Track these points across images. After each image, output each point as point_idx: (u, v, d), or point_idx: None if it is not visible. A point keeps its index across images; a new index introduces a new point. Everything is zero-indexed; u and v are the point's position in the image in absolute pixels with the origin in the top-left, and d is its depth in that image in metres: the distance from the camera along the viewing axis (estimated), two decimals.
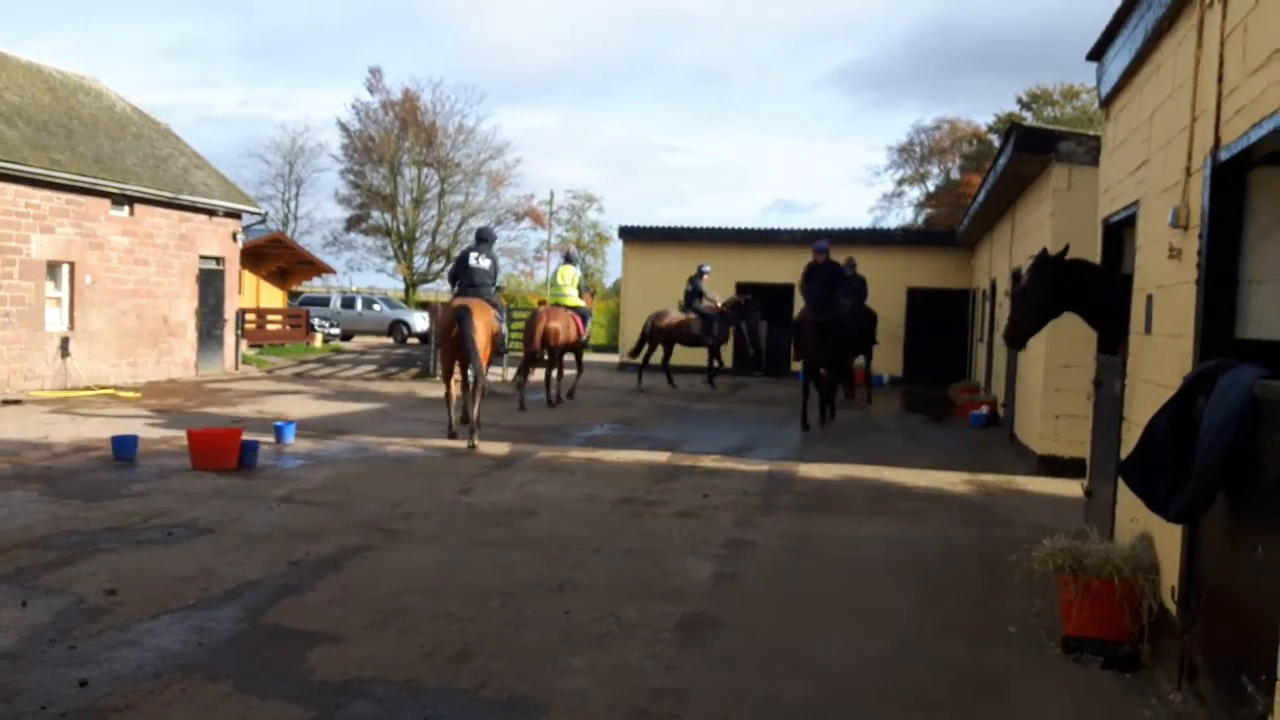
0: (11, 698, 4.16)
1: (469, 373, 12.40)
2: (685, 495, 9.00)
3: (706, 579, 6.38)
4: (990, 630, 5.49)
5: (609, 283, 56.72)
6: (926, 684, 4.74)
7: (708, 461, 11.03)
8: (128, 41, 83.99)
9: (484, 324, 12.10)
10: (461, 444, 11.67)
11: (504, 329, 13.20)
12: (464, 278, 12.71)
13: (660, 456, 11.17)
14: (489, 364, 12.72)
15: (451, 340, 11.97)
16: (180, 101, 75.88)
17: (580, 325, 16.85)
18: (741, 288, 24.04)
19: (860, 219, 60.35)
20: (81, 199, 17.86)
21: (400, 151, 50.03)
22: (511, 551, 6.91)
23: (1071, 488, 8.52)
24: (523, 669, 4.70)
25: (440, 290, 50.58)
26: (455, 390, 12.53)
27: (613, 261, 60.01)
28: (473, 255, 12.89)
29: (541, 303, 21.47)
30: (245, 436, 10.27)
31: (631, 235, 26.31)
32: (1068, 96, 46.13)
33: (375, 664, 4.72)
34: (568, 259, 18.25)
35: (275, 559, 6.54)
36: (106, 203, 18.50)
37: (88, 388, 17.31)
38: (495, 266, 13.06)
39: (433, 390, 19.43)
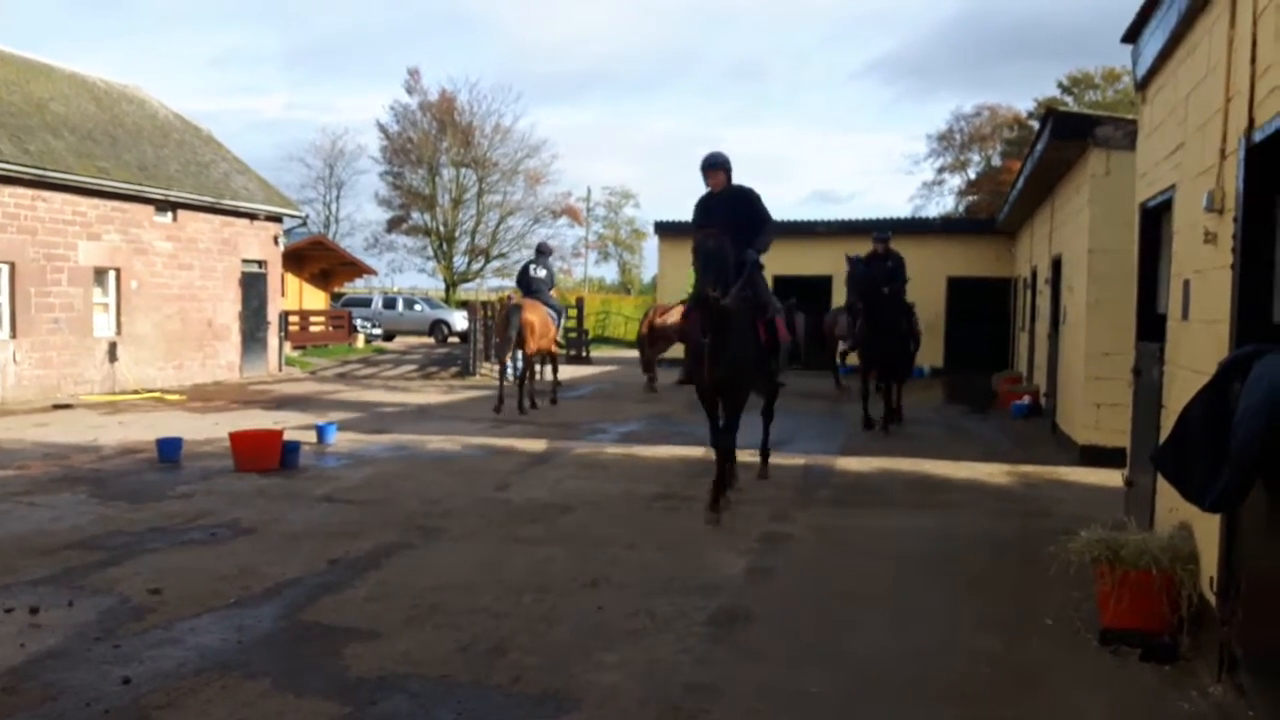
0: (58, 695, 4.27)
1: (517, 360, 15.60)
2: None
3: (740, 573, 6.38)
4: (1027, 622, 5.44)
5: (646, 278, 56.70)
6: (961, 677, 4.70)
7: (744, 456, 10.97)
8: (176, 53, 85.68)
9: (537, 319, 14.75)
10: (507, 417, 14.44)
11: (558, 324, 15.87)
12: (525, 285, 15.63)
13: (696, 451, 11.17)
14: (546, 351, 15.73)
15: (506, 333, 14.75)
16: (227, 108, 77.17)
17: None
18: (778, 280, 23.94)
19: (899, 208, 59.91)
20: (126, 206, 18.21)
21: (438, 152, 50.46)
22: (546, 547, 6.96)
23: (1114, 478, 8.40)
24: (556, 664, 4.73)
25: (479, 289, 50.98)
26: (509, 374, 15.72)
27: (649, 257, 60.04)
28: (532, 266, 15.73)
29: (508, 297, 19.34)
30: (286, 437, 10.43)
31: (667, 230, 26.29)
32: (1109, 80, 45.38)
33: (410, 660, 4.77)
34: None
35: (315, 557, 6.64)
36: (150, 209, 18.84)
37: (135, 391, 17.66)
38: (550, 275, 15.82)
39: (473, 389, 19.59)
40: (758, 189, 8.23)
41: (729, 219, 7.76)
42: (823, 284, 23.22)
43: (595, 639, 5.09)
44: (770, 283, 9.14)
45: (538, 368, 16.57)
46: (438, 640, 5.05)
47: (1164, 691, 4.51)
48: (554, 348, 16.13)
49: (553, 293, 16.02)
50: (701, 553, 6.84)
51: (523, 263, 17.16)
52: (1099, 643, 5.04)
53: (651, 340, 18.27)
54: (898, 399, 13.78)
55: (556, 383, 17.02)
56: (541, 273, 15.50)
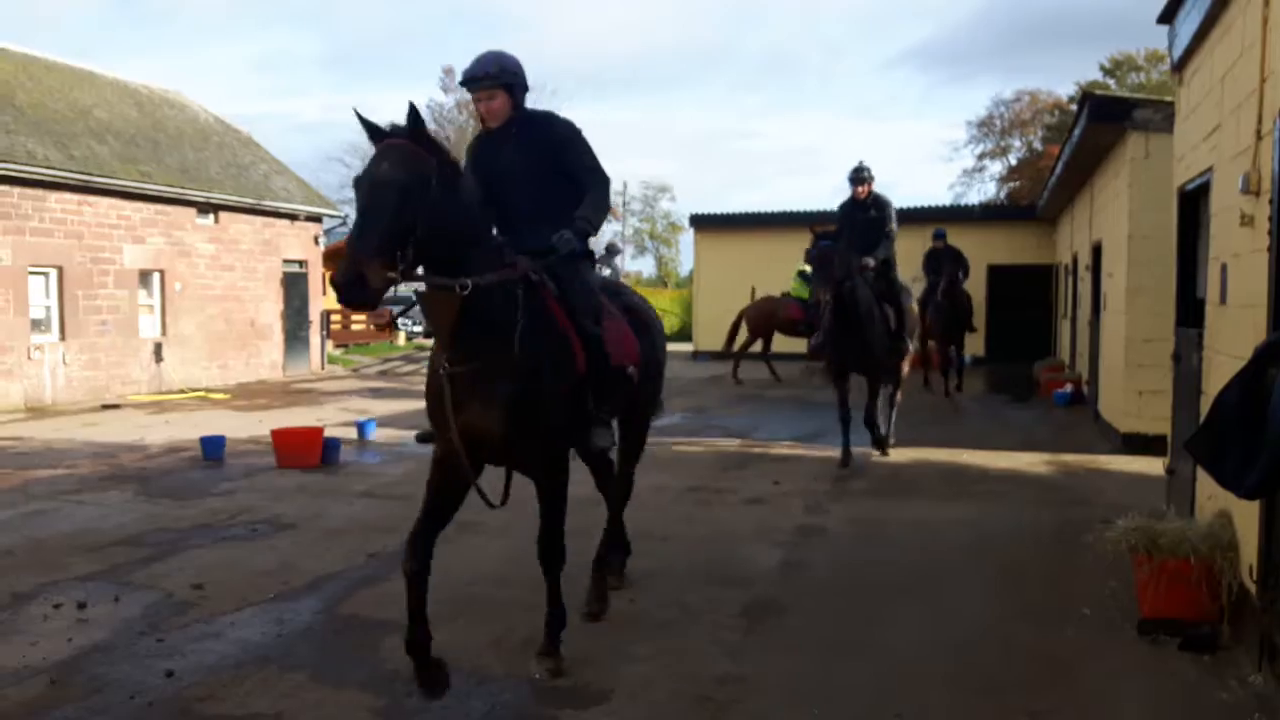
0: (103, 688, 4.38)
1: None
2: (755, 482, 8.99)
3: (774, 566, 6.37)
4: (1064, 613, 5.38)
5: (683, 271, 56.64)
6: (996, 668, 4.67)
7: (779, 448, 11.00)
8: (218, 59, 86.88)
9: None
10: None
11: None
12: None
13: (731, 444, 11.16)
14: None
15: None
16: (268, 111, 78.20)
17: None
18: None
19: (939, 196, 59.28)
20: (169, 209, 18.53)
21: None
22: (580, 540, 6.91)
23: (1156, 466, 8.27)
24: (587, 656, 4.76)
25: None
26: None
27: (685, 251, 59.97)
28: (598, 265, 17.04)
29: None
30: (327, 434, 10.57)
31: (703, 223, 26.25)
32: (1152, 61, 44.50)
33: (445, 652, 4.79)
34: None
35: (353, 552, 6.73)
36: (193, 211, 19.15)
37: (180, 391, 17.98)
38: (615, 273, 17.22)
39: None
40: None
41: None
42: None
43: (627, 631, 5.12)
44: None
45: None
46: (472, 632, 5.10)
47: (1203, 681, 4.45)
48: None
49: None
50: (735, 545, 6.85)
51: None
52: (1137, 633, 4.98)
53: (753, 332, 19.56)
54: (889, 409, 10.83)
55: None
56: (606, 271, 16.48)
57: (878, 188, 10.32)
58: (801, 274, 18.88)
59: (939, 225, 18.19)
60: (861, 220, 10.05)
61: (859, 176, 10.20)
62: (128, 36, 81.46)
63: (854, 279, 9.46)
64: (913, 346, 10.90)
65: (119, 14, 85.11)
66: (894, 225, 10.11)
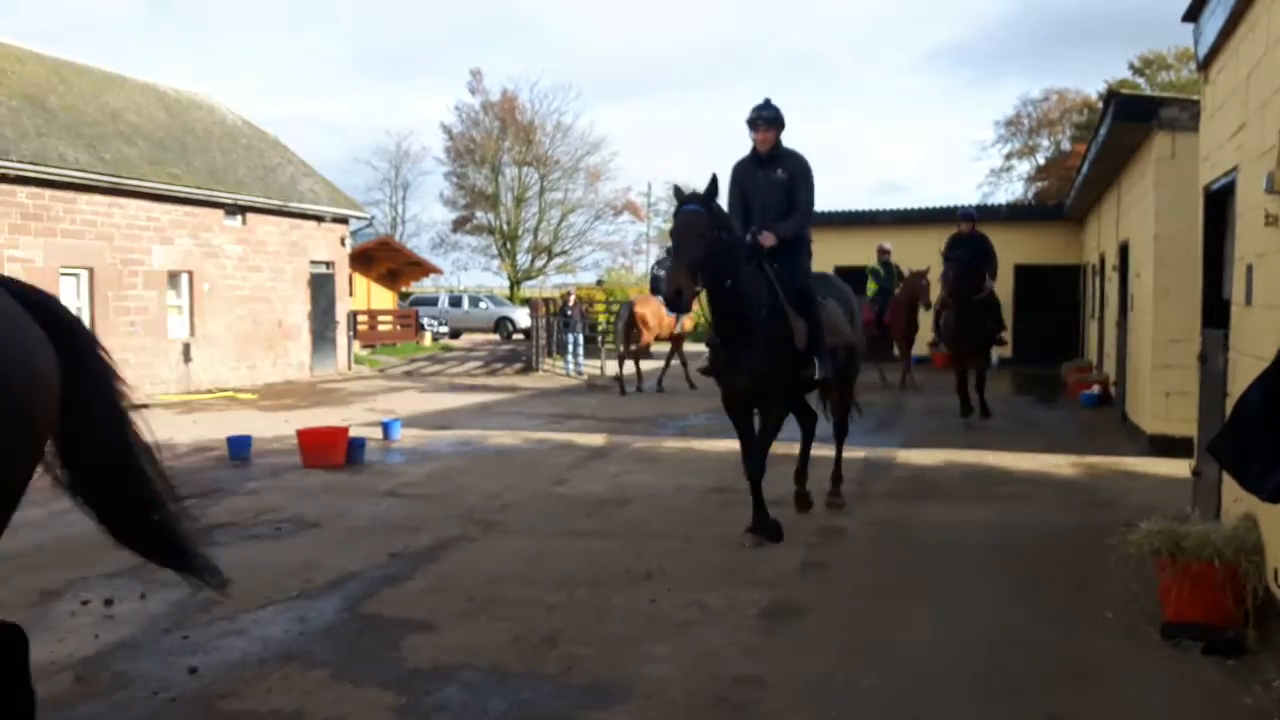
0: (127, 684, 4.44)
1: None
2: (776, 483, 8.91)
3: (794, 567, 6.36)
4: (1087, 616, 5.34)
5: None
6: (1017, 671, 4.64)
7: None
8: (249, 61, 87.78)
9: (649, 311, 17.66)
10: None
11: (676, 319, 17.84)
12: (654, 286, 19.01)
13: None
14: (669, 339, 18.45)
15: (619, 326, 18.04)
16: (298, 113, 78.90)
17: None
18: (840, 271, 23.70)
19: (966, 196, 58.80)
20: (197, 210, 18.73)
21: (501, 151, 50.89)
22: (602, 540, 7.02)
23: (1182, 469, 8.18)
24: (607, 655, 4.78)
25: (542, 286, 51.51)
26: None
27: None
28: (655, 267, 20.38)
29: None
30: (352, 434, 10.65)
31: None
32: (1183, 59, 43.99)
33: (465, 651, 4.86)
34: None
35: (376, 551, 6.78)
36: (220, 213, 19.35)
37: (209, 391, 18.17)
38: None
39: (535, 384, 19.78)
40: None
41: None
42: None
43: (647, 631, 5.13)
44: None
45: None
46: (492, 631, 5.13)
47: (1227, 686, 4.40)
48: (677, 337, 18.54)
49: None
50: (756, 546, 6.84)
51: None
52: (1160, 636, 4.94)
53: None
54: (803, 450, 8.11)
55: (685, 368, 18.06)
56: (661, 272, 18.55)
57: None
58: (873, 272, 18.40)
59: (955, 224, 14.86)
60: (762, 181, 7.08)
61: (758, 117, 6.99)
62: (162, 39, 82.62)
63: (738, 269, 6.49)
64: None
65: (155, 17, 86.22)
66: (809, 195, 7.08)
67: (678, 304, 6.10)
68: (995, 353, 22.37)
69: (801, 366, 6.83)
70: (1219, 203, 6.82)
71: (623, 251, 55.60)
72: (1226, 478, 5.63)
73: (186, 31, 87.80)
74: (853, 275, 21.65)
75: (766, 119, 6.98)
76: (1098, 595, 5.66)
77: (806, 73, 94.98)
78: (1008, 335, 14.27)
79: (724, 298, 6.46)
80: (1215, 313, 6.79)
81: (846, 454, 8.52)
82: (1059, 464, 10.01)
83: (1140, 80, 44.60)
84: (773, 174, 7.05)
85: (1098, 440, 11.59)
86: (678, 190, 6.36)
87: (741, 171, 7.24)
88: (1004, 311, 22.78)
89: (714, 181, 6.32)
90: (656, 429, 12.91)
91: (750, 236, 6.82)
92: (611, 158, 52.99)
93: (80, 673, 4.58)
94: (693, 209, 6.22)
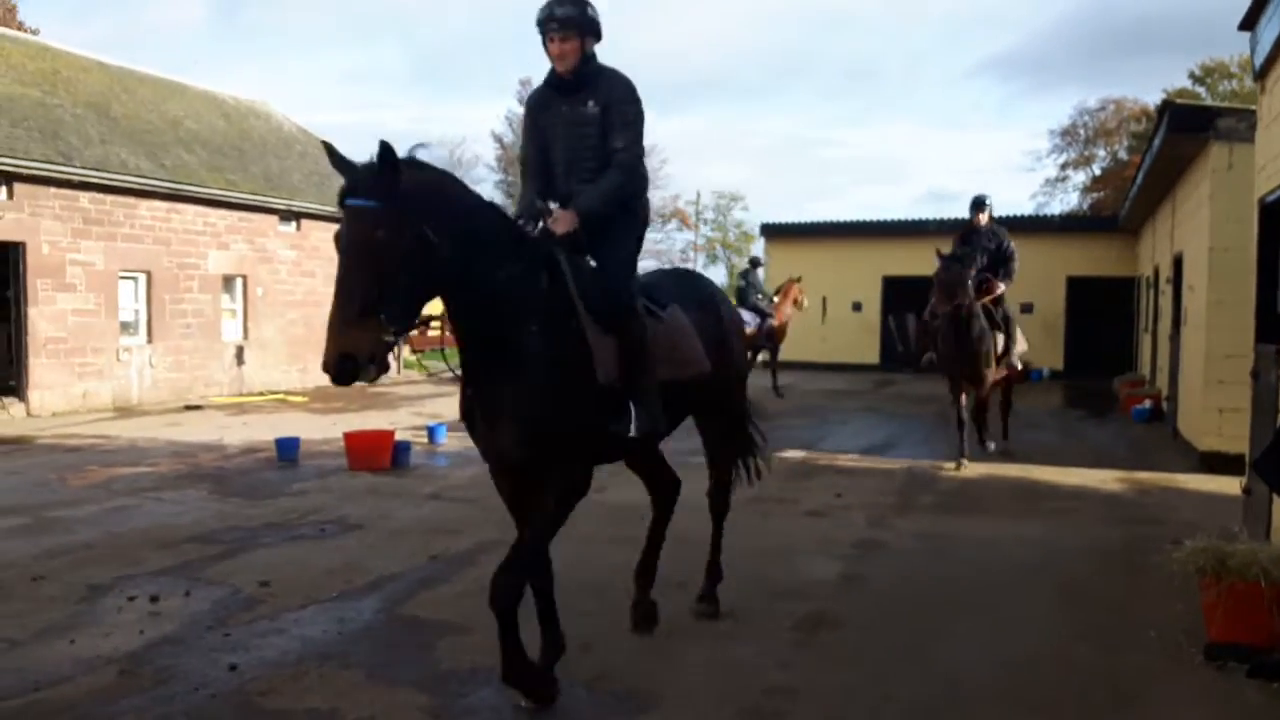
0: (168, 679, 4.54)
1: None
2: (818, 494, 8.93)
3: (832, 579, 6.33)
4: (1128, 635, 5.25)
5: None
6: (1054, 689, 4.58)
7: (845, 460, 10.89)
8: (310, 72, 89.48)
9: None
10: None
11: (759, 325, 17.48)
12: (740, 297, 18.30)
13: (796, 454, 11.10)
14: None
15: None
16: (356, 121, 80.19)
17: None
18: (888, 281, 23.58)
19: (1019, 206, 58.03)
20: (253, 216, 19.09)
21: None
22: (637, 548, 6.99)
23: (1234, 486, 8.01)
24: (639, 663, 4.80)
25: None
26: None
27: None
28: (740, 277, 19.16)
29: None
30: (398, 437, 10.79)
31: (774, 232, 26.14)
32: (1245, 68, 43.03)
33: (492, 658, 4.86)
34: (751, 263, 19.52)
35: (416, 553, 6.86)
36: (275, 219, 19.70)
37: (260, 393, 18.49)
38: (749, 285, 18.46)
39: None
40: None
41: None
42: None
43: (679, 639, 5.13)
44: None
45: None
46: (526, 636, 5.15)
47: (1270, 709, 4.30)
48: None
49: (759, 296, 18.29)
50: (794, 557, 6.82)
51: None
52: (1203, 657, 4.83)
53: None
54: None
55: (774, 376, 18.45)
56: (742, 283, 18.66)
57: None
58: None
59: (1012, 233, 13.25)
60: (568, 118, 4.94)
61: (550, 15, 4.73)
62: (221, 50, 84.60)
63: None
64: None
65: (222, 27, 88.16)
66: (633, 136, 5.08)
67: (342, 375, 3.63)
68: (1045, 365, 22.13)
69: (608, 413, 4.32)
70: (1274, 215, 6.69)
71: (670, 259, 55.63)
72: (1277, 497, 5.51)
73: (251, 41, 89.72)
74: (904, 285, 21.60)
75: (561, 19, 4.47)
76: (1140, 613, 5.55)
77: (861, 82, 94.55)
78: (1026, 349, 11.62)
79: (465, 311, 4.06)
80: (1269, 327, 6.64)
81: (887, 466, 8.42)
82: (1106, 479, 9.84)
83: (1201, 90, 43.75)
84: (580, 108, 4.61)
85: (1148, 456, 11.37)
86: (332, 152, 4.05)
87: (536, 107, 4.77)
88: (1055, 324, 22.72)
89: (386, 148, 3.72)
90: (696, 435, 12.87)
91: (538, 220, 4.39)
92: (661, 165, 52.96)
93: (124, 667, 4.69)
94: (360, 204, 3.77)
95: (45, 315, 15.06)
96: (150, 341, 16.98)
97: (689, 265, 54.90)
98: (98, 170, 15.62)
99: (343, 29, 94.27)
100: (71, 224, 15.45)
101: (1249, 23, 6.89)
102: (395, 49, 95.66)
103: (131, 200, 16.49)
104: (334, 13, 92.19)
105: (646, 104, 4.59)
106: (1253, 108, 9.88)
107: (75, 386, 15.56)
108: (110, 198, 16.08)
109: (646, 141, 4.70)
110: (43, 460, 10.73)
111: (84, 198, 15.64)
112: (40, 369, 14.98)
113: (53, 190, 15.11)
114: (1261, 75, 6.92)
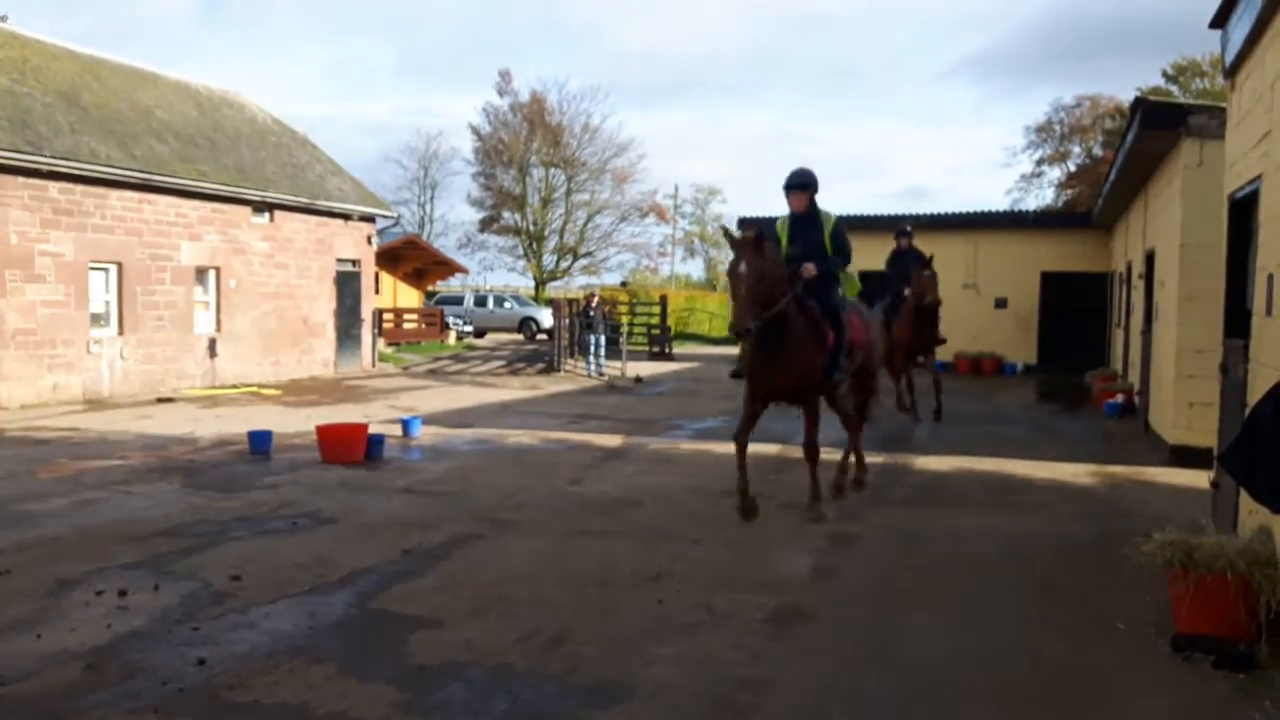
0: (136, 673, 4.49)
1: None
2: (792, 488, 8.94)
3: (804, 572, 6.35)
4: (1097, 626, 5.29)
5: None
6: (1023, 680, 4.61)
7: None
8: (293, 65, 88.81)
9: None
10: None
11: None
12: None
13: (771, 449, 11.12)
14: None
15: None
16: (337, 113, 79.67)
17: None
18: (864, 276, 23.59)
19: (994, 202, 58.47)
20: (225, 207, 18.90)
21: (529, 152, 51.06)
22: (613, 541, 7.03)
23: (1203, 480, 8.09)
24: (612, 655, 4.79)
25: (567, 287, 51.59)
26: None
27: None
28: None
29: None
30: (372, 430, 10.72)
31: (750, 226, 26.13)
32: (1217, 67, 43.47)
33: (472, 648, 4.89)
34: None
35: (389, 547, 6.82)
36: (248, 210, 19.52)
37: (233, 386, 18.34)
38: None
39: (557, 384, 19.83)
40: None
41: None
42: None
43: (653, 632, 5.13)
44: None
45: None
46: (499, 630, 5.15)
47: (1236, 700, 4.35)
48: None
49: None
50: (767, 551, 6.83)
51: None
52: (1171, 649, 4.88)
53: None
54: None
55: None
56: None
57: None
58: None
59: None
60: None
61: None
62: (204, 42, 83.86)
63: None
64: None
65: (204, 19, 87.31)
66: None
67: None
68: (1019, 360, 22.37)
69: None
70: (1243, 211, 6.75)
71: (648, 254, 55.67)
72: (1244, 491, 5.57)
73: (233, 33, 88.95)
74: (877, 281, 21.66)
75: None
76: (1110, 606, 5.61)
77: (838, 80, 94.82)
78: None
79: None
80: (1238, 322, 6.71)
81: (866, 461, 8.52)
82: (1078, 473, 9.92)
83: (1173, 88, 44.15)
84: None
85: (1119, 450, 11.48)
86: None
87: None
88: (1029, 319, 22.93)
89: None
90: (674, 431, 12.91)
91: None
92: (639, 160, 52.97)
93: (91, 662, 4.64)
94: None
95: (14, 306, 14.86)
96: (121, 333, 16.80)
97: (666, 259, 54.84)
98: (67, 160, 15.41)
99: (326, 22, 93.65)
100: (40, 214, 15.24)
101: (1220, 21, 6.94)
102: (378, 43, 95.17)
103: (102, 190, 16.28)
104: (318, 6, 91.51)
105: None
106: (1224, 105, 9.97)
107: (45, 379, 15.37)
108: (80, 188, 15.88)
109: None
110: (10, 453, 10.59)
111: (53, 187, 15.43)
112: (9, 361, 14.78)
113: (21, 180, 14.90)
114: (1232, 73, 6.97)
